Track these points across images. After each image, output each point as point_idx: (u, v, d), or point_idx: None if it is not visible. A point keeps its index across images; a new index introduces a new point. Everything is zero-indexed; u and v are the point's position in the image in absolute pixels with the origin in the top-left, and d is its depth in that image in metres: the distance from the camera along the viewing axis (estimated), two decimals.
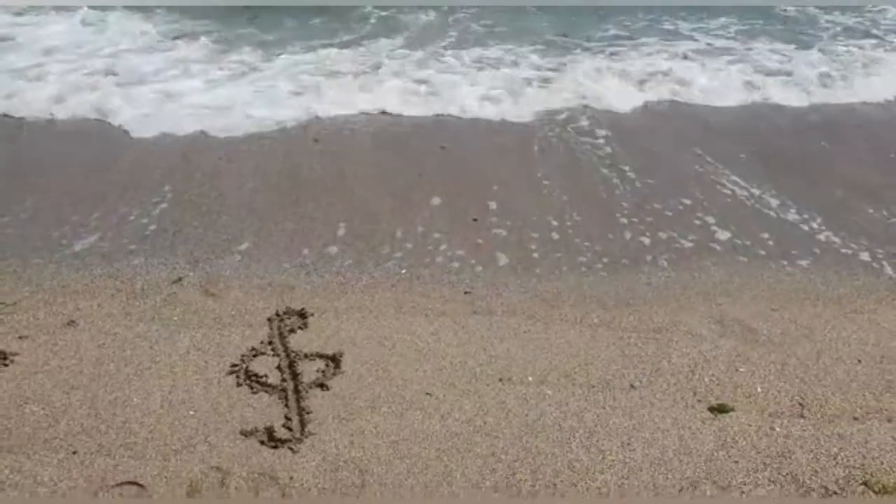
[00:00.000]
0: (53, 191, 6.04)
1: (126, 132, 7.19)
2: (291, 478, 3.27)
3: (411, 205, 5.95)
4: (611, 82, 8.47)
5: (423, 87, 8.27)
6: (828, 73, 8.85)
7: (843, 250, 5.41)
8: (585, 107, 7.94)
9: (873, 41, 10.25)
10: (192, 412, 3.66)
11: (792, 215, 5.88)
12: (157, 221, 5.61)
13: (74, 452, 3.38)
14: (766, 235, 5.60)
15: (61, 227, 5.50)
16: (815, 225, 5.74)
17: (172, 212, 5.75)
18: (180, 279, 4.85)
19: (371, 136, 7.30)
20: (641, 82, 8.53)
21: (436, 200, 6.01)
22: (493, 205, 5.98)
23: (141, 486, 3.20)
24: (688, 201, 6.08)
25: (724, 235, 5.59)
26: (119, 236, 5.39)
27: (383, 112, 7.79)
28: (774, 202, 6.08)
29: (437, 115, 7.77)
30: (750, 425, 3.65)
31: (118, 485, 3.21)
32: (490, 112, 7.77)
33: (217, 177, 6.35)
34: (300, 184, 6.28)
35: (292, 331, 4.32)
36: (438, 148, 7.02)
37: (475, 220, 5.75)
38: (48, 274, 4.89)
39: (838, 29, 10.76)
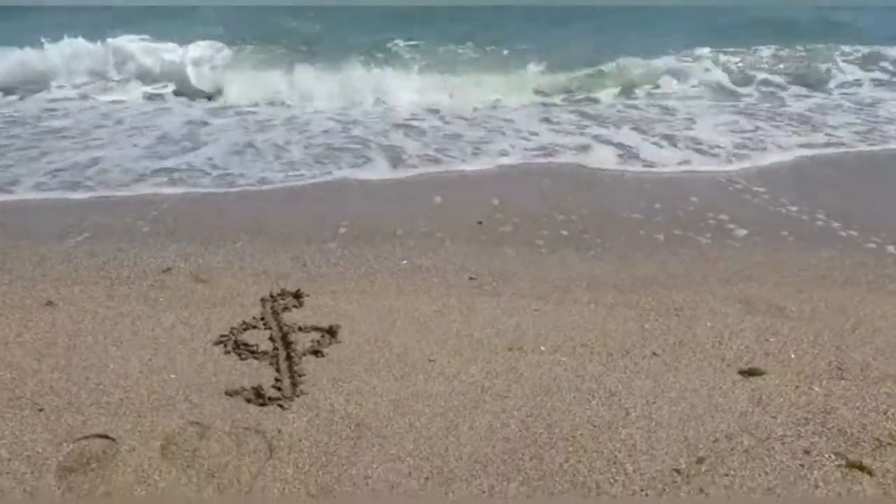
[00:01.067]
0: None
1: None
2: (279, 431, 2.93)
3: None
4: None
5: None
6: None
7: (868, 245, 5.13)
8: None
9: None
10: (172, 375, 3.35)
11: (811, 216, 5.63)
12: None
13: (41, 409, 3.06)
14: (785, 233, 5.33)
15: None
16: (835, 224, 5.48)
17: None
18: (169, 269, 4.58)
19: None
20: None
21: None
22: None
23: (111, 438, 2.86)
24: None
25: (741, 232, 5.32)
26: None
27: None
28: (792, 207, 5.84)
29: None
30: (786, 386, 3.32)
31: (85, 437, 2.87)
32: None
33: None
34: None
35: (286, 308, 4.03)
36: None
37: (480, 222, 5.51)
38: (30, 265, 4.62)
39: None
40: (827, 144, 7.80)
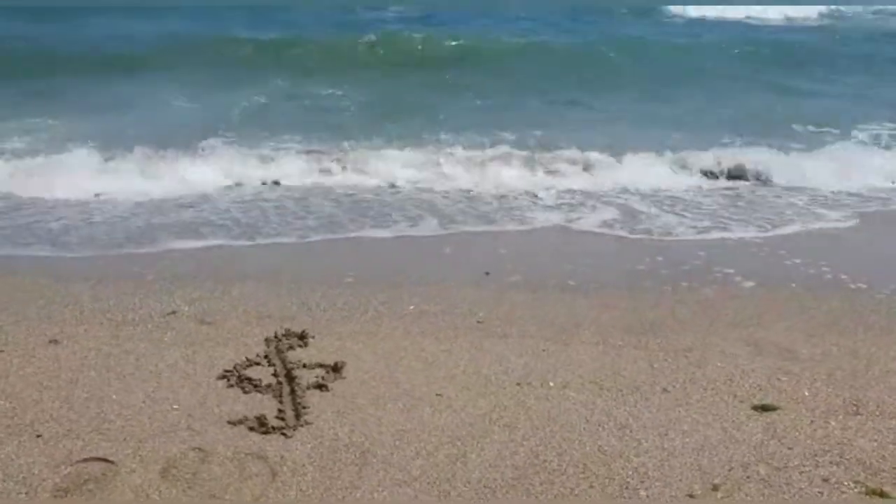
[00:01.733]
0: None
1: None
2: (282, 457, 2.87)
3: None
4: None
5: None
6: None
7: (878, 295, 5.09)
8: None
9: None
10: (175, 406, 3.30)
11: (818, 269, 5.61)
12: None
13: (39, 436, 3.01)
14: (793, 285, 5.30)
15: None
16: (843, 276, 5.45)
17: None
18: (174, 312, 4.55)
19: None
20: None
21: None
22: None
23: (110, 462, 2.79)
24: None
25: (748, 284, 5.30)
26: None
27: None
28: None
29: None
30: (801, 420, 3.26)
31: (83, 460, 2.81)
32: None
33: None
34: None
35: (291, 348, 3.98)
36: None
37: (487, 273, 5.49)
38: (35, 307, 4.59)
39: None
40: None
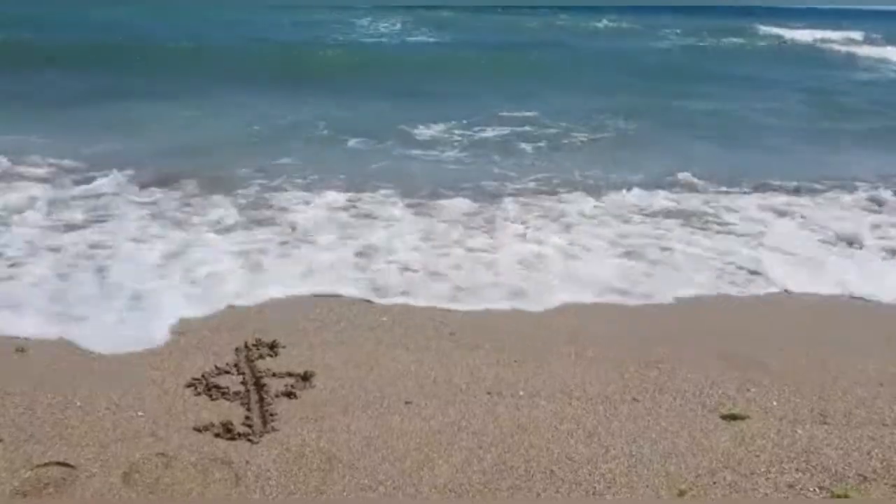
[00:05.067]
0: None
1: None
2: (247, 462, 2.84)
3: None
4: None
5: None
6: None
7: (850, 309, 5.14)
8: None
9: None
10: (140, 413, 3.25)
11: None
12: None
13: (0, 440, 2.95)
14: (763, 298, 5.35)
15: None
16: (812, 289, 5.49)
17: None
18: None
19: None
20: None
21: None
22: None
23: (70, 466, 2.75)
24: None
25: (718, 298, 5.33)
26: None
27: None
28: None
29: None
30: (769, 429, 3.28)
31: (44, 464, 2.76)
32: None
33: None
34: None
35: (261, 357, 3.95)
36: None
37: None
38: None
39: None
40: None
